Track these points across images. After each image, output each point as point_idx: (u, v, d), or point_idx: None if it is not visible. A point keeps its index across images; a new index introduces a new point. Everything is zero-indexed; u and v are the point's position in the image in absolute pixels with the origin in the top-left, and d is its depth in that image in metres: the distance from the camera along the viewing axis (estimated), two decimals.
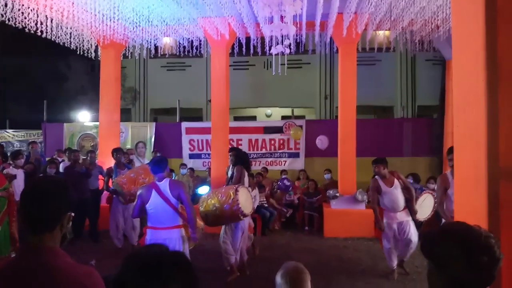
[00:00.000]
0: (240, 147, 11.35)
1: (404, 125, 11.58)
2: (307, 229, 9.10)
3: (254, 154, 11.34)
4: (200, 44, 9.57)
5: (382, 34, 11.16)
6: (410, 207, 5.97)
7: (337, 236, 8.29)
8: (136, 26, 8.14)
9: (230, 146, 8.60)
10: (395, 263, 6.02)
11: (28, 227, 1.60)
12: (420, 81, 15.34)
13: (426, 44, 9.43)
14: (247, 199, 5.78)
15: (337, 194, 8.67)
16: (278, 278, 2.20)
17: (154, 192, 4.31)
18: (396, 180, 5.99)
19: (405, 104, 15.43)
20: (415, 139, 11.15)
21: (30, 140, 11.28)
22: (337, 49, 9.41)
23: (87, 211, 7.91)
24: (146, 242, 4.29)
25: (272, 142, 11.33)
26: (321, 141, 10.87)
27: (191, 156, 11.39)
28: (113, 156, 7.44)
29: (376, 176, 6.08)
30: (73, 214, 1.72)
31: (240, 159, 6.29)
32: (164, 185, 4.35)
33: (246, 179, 6.22)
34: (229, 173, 7.06)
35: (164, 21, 8.17)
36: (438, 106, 11.41)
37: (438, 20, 7.52)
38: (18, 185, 6.97)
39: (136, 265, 1.05)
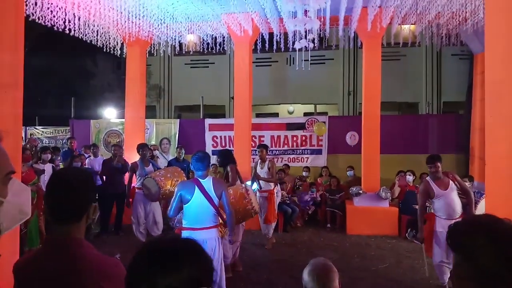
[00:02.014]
0: (262, 143, 11.37)
1: (429, 121, 11.35)
2: (329, 226, 9.04)
3: (276, 150, 11.32)
4: (223, 40, 9.61)
5: (407, 28, 10.96)
6: (468, 214, 5.22)
7: (360, 234, 8.22)
8: (160, 23, 8.23)
9: (260, 143, 8.66)
10: (446, 279, 5.21)
11: (53, 218, 1.62)
12: (446, 76, 14.99)
13: (453, 38, 9.21)
14: (253, 196, 5.81)
15: (360, 191, 8.58)
16: (305, 275, 2.15)
17: (197, 190, 4.03)
18: (451, 182, 5.25)
19: (431, 100, 15.11)
20: (441, 135, 10.91)
21: (64, 137, 11.57)
22: (361, 44, 9.29)
23: (118, 205, 8.14)
24: None
25: (295, 138, 11.28)
26: (353, 137, 10.76)
27: (214, 153, 11.41)
28: (138, 151, 7.46)
29: (428, 177, 5.42)
30: (97, 205, 1.75)
31: (228, 157, 6.18)
32: (208, 183, 4.09)
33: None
34: (258, 168, 7.39)
35: (188, 17, 8.24)
36: (465, 102, 11.13)
37: (466, 12, 7.33)
38: (45, 180, 7.18)
39: (148, 254, 1.06)
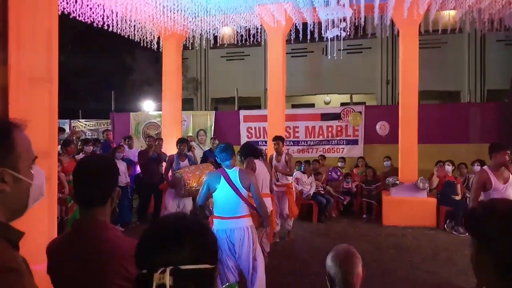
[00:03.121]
0: (296, 134, 11.34)
1: (470, 110, 10.92)
2: (365, 217, 8.96)
3: (311, 141, 11.27)
4: (257, 32, 9.64)
5: (447, 14, 10.57)
6: None
7: (396, 225, 8.07)
8: (195, 17, 8.37)
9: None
10: None
11: (79, 203, 1.73)
12: (490, 63, 14.36)
13: (496, 23, 8.81)
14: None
15: (397, 182, 8.42)
16: (329, 260, 2.18)
17: (222, 180, 4.05)
18: (511, 176, 4.66)
19: (473, 88, 14.54)
20: (483, 124, 10.48)
21: (103, 129, 12.02)
22: (398, 32, 9.07)
23: (155, 194, 8.34)
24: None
25: (330, 129, 11.18)
26: (383, 127, 10.55)
27: None
28: (177, 146, 7.54)
29: (486, 167, 4.81)
30: (120, 190, 1.83)
31: (247, 151, 5.85)
32: (234, 173, 4.09)
33: (260, 168, 5.95)
34: (274, 161, 7.17)
35: (221, 10, 8.31)
36: (509, 90, 10.65)
37: None
38: None
39: (154, 229, 1.10)
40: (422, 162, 8.71)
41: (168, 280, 0.97)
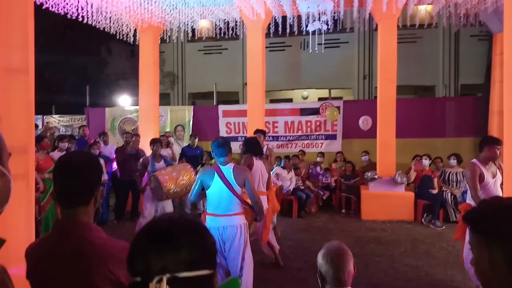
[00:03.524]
0: (276, 129, 11.30)
1: (446, 104, 11.11)
2: (344, 211, 9.01)
3: (290, 136, 11.26)
4: (236, 25, 9.52)
5: (423, 9, 10.70)
6: None
7: (375, 219, 8.16)
8: (173, 9, 8.19)
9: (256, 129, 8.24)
10: None
11: (61, 202, 1.62)
12: (464, 58, 14.64)
13: (471, 18, 8.95)
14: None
15: (376, 176, 8.50)
16: (320, 258, 2.15)
17: (216, 177, 3.97)
18: (498, 171, 4.64)
19: (448, 83, 14.81)
20: (459, 119, 10.69)
21: (80, 125, 11.66)
22: (376, 26, 9.11)
23: (134, 191, 8.16)
24: None
25: (309, 124, 11.19)
26: (365, 122, 10.62)
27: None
28: (150, 147, 7.14)
29: (475, 160, 4.62)
30: (104, 189, 1.73)
31: (248, 147, 5.66)
32: (228, 170, 4.00)
33: (259, 166, 5.60)
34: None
35: (200, 2, 8.17)
36: (483, 84, 10.87)
37: None
38: None
39: (146, 232, 1.02)
40: (399, 156, 8.82)
41: None
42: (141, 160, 7.19)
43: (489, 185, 4.49)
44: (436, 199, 7.90)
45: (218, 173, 3.99)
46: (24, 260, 1.63)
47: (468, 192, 4.62)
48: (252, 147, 5.62)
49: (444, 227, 7.62)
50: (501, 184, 4.69)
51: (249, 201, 4.17)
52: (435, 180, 8.27)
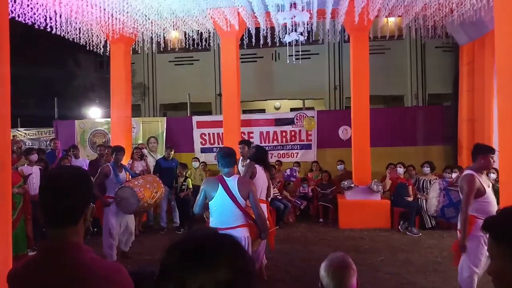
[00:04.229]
0: (251, 140, 11.26)
1: (416, 113, 11.41)
2: (322, 221, 9.01)
3: (266, 146, 11.19)
4: (209, 36, 9.48)
5: (392, 21, 10.97)
6: None
7: (353, 228, 8.20)
8: (145, 19, 8.06)
9: (241, 139, 8.28)
10: None
11: (48, 222, 1.49)
12: (431, 68, 15.08)
13: (438, 30, 9.24)
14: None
15: (352, 185, 8.56)
16: (322, 269, 2.08)
17: (220, 188, 3.89)
18: (487, 178, 4.45)
19: (416, 92, 15.22)
20: (428, 127, 10.97)
21: (51, 138, 11.22)
22: (348, 38, 9.27)
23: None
24: None
25: (284, 134, 11.22)
26: (345, 131, 10.71)
27: (203, 150, 11.32)
28: (112, 155, 6.62)
29: (469, 171, 4.30)
30: (94, 205, 1.61)
31: (256, 156, 5.53)
32: (233, 181, 3.93)
33: (262, 174, 5.46)
34: (239, 165, 6.78)
35: (173, 13, 8.09)
36: (450, 94, 11.22)
37: (452, 3, 7.34)
38: (33, 182, 6.95)
39: (179, 251, 0.94)
40: (373, 165, 8.94)
41: None
42: (99, 169, 6.52)
43: (489, 196, 4.22)
44: (411, 207, 8.02)
45: (223, 184, 3.91)
46: (4, 283, 1.50)
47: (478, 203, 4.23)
48: (259, 156, 5.50)
49: (420, 234, 7.72)
50: None
51: (252, 214, 4.06)
52: (410, 187, 8.40)
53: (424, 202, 8.17)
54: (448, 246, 6.87)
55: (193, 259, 0.89)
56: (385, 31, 10.08)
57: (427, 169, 8.47)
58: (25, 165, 7.15)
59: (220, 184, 3.91)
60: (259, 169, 5.39)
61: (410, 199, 8.29)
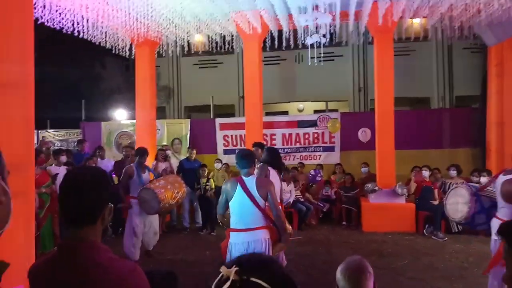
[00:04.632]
0: (274, 141, 11.26)
1: (443, 115, 11.16)
2: (344, 224, 8.93)
3: (288, 148, 11.22)
4: (232, 39, 9.54)
5: (417, 22, 10.80)
6: None
7: (376, 231, 8.09)
8: (169, 23, 8.18)
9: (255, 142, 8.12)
10: None
11: (67, 220, 1.53)
12: (458, 70, 14.75)
13: (465, 31, 9.03)
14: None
15: (376, 188, 8.45)
16: (338, 272, 2.06)
17: (239, 188, 3.89)
18: None
19: (442, 94, 14.91)
20: (454, 130, 10.72)
21: (79, 139, 11.51)
22: (372, 40, 9.18)
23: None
24: (229, 246, 3.94)
25: (306, 136, 11.16)
26: (364, 133, 10.59)
27: (226, 152, 11.39)
28: (137, 157, 6.72)
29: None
30: (112, 205, 1.64)
31: (269, 157, 5.44)
32: (251, 181, 3.91)
33: (275, 176, 5.31)
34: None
35: (196, 16, 8.18)
36: (478, 96, 10.95)
37: (480, 4, 7.17)
38: (60, 182, 7.14)
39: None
40: (398, 168, 8.80)
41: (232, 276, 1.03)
42: (124, 170, 6.66)
43: None
44: (437, 210, 7.84)
45: (241, 184, 3.90)
46: (26, 279, 1.54)
47: (503, 209, 3.99)
48: (274, 157, 5.45)
49: (446, 238, 7.56)
50: None
51: (271, 215, 4.02)
52: (436, 191, 8.24)
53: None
54: (475, 251, 6.76)
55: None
56: (410, 32, 9.89)
57: (453, 172, 8.29)
58: (53, 165, 7.35)
59: (238, 184, 3.91)
60: (273, 172, 5.34)
61: (436, 202, 8.12)
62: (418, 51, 14.80)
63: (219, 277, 1.07)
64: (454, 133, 10.69)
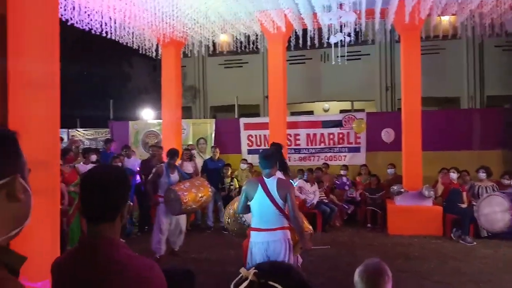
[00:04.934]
0: (298, 142, 11.20)
1: (472, 116, 10.83)
2: (369, 226, 8.80)
3: (312, 149, 11.14)
4: (256, 39, 9.55)
5: (446, 20, 10.53)
6: None
7: (402, 234, 7.93)
8: (194, 23, 8.26)
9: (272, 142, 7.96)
10: None
11: (87, 217, 1.57)
12: (489, 69, 14.30)
13: (497, 28, 8.74)
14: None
15: (402, 190, 8.29)
16: (356, 275, 2.05)
17: (260, 188, 3.89)
18: None
19: (473, 94, 14.49)
20: (485, 131, 10.39)
21: (107, 138, 11.77)
22: (398, 38, 9.00)
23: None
24: (250, 245, 3.96)
25: (331, 136, 11.05)
26: (387, 134, 10.40)
27: (250, 152, 11.41)
28: (168, 157, 6.85)
29: None
30: (131, 204, 1.67)
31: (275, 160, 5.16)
32: (272, 182, 3.90)
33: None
34: None
35: (221, 16, 8.22)
36: (510, 96, 10.59)
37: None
38: None
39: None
40: (425, 170, 8.60)
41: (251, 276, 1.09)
42: (154, 169, 6.84)
43: None
44: (465, 214, 7.62)
45: (262, 184, 3.91)
46: (50, 274, 1.59)
47: None
48: (278, 160, 5.44)
49: (475, 243, 7.33)
50: None
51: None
52: (464, 194, 8.02)
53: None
54: (505, 256, 6.54)
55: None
56: (438, 30, 9.66)
57: (482, 175, 8.03)
58: (81, 163, 7.53)
59: (259, 185, 3.91)
60: (278, 173, 5.32)
61: (464, 205, 7.90)
62: (447, 49, 14.45)
63: (238, 277, 1.13)
64: (485, 134, 10.37)
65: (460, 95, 14.88)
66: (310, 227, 4.85)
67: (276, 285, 1.06)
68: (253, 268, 1.11)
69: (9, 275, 0.98)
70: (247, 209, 4.09)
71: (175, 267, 1.82)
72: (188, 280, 2.00)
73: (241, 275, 1.12)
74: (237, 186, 8.66)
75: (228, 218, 5.09)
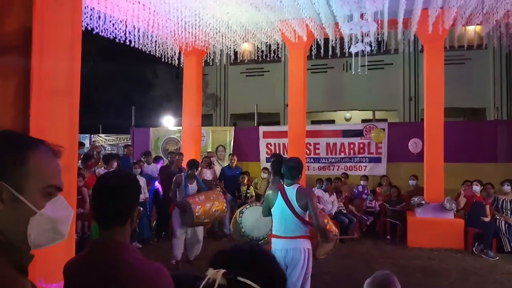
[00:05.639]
0: (317, 151, 11.13)
1: (498, 127, 10.54)
2: (389, 238, 8.65)
3: (332, 158, 11.04)
4: (278, 48, 9.59)
5: (472, 30, 10.35)
6: None
7: (422, 247, 7.77)
8: (216, 32, 8.36)
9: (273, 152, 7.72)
10: None
11: (98, 221, 1.62)
12: None
13: None
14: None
15: (423, 202, 8.13)
16: (365, 286, 2.04)
17: (279, 196, 3.93)
18: None
19: (499, 105, 14.14)
20: (511, 143, 10.10)
21: (125, 144, 12.01)
22: (422, 48, 8.89)
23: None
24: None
25: (352, 146, 10.93)
26: (414, 144, 10.20)
27: (268, 160, 11.32)
28: (187, 166, 6.96)
29: None
30: (141, 209, 1.70)
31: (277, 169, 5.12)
32: (292, 191, 3.92)
33: None
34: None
35: (242, 26, 8.29)
36: None
37: None
38: None
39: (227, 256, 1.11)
40: (446, 181, 8.42)
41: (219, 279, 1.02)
42: (174, 178, 6.91)
43: None
44: (488, 228, 7.43)
45: (282, 192, 3.94)
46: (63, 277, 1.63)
47: None
48: (279, 169, 5.39)
49: (497, 257, 7.12)
50: None
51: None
52: (487, 207, 7.80)
53: (502, 224, 7.56)
54: None
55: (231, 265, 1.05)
56: (463, 40, 9.50)
57: (507, 188, 7.81)
58: (102, 168, 7.68)
59: (279, 192, 3.94)
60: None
61: (487, 219, 7.69)
62: (473, 60, 14.19)
63: (205, 280, 1.03)
64: (511, 146, 10.08)
65: (486, 106, 14.56)
66: (335, 228, 4.84)
67: (247, 281, 1.00)
68: (220, 262, 1.06)
69: (16, 273, 1.01)
70: (270, 213, 4.12)
71: (185, 273, 1.84)
72: (196, 286, 2.01)
73: (208, 277, 1.02)
74: (253, 194, 8.66)
75: (232, 226, 5.24)
